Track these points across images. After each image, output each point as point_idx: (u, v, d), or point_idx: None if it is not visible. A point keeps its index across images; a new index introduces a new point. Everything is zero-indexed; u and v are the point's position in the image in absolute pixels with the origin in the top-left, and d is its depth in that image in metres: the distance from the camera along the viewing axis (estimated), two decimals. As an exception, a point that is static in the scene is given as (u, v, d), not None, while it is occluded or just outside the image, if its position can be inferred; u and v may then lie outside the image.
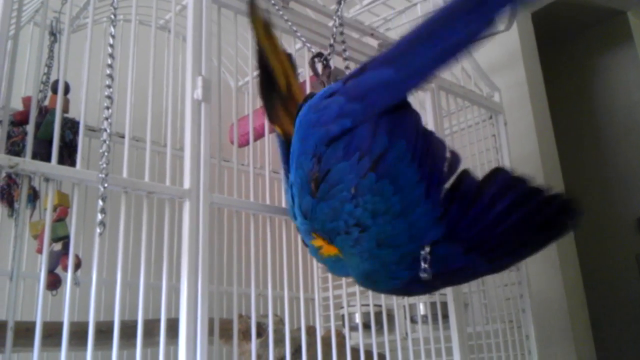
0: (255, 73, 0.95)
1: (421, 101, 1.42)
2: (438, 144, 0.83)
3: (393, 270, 0.80)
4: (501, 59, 2.12)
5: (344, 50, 1.09)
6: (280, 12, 1.07)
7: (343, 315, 1.40)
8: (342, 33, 1.10)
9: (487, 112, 1.59)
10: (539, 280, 1.84)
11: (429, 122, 1.37)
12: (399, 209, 0.77)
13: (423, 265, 0.77)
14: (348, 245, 0.80)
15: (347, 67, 1.05)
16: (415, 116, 0.83)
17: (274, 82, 0.93)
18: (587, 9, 2.86)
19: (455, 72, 1.56)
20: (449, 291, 1.26)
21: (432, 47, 0.78)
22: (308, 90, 1.08)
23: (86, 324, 0.74)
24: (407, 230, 0.77)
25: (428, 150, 0.80)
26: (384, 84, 0.81)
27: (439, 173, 0.80)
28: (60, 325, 0.72)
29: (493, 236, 0.79)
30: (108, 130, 0.78)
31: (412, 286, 0.82)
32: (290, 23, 1.06)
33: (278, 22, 1.08)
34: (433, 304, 1.32)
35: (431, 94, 1.38)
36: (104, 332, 0.83)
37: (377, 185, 0.77)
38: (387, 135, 0.78)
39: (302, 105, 0.87)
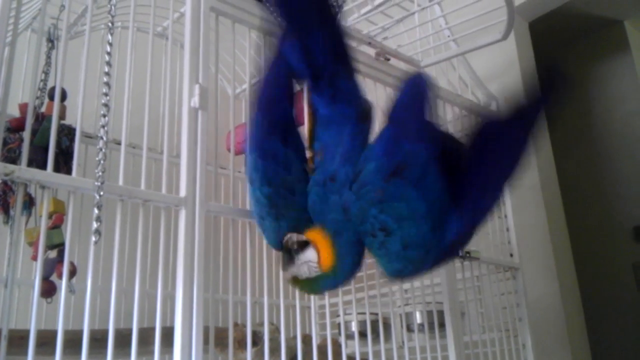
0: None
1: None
2: (452, 139, 0.88)
3: (421, 266, 0.84)
4: (498, 68, 2.13)
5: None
6: (279, 19, 1.06)
7: (339, 324, 1.40)
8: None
9: (484, 121, 1.60)
10: (535, 289, 1.84)
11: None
12: (424, 211, 0.80)
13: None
14: (375, 247, 0.83)
15: None
16: (435, 122, 0.87)
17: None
18: (583, 18, 2.87)
19: (452, 81, 1.56)
20: (445, 300, 1.26)
21: None
22: (306, 96, 1.08)
23: (81, 332, 0.74)
24: (431, 229, 0.80)
25: (446, 149, 0.83)
26: None
27: (453, 167, 0.83)
28: (54, 333, 0.72)
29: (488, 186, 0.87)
30: (104, 138, 0.77)
31: (434, 266, 0.89)
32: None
33: (276, 30, 1.08)
34: (430, 313, 1.31)
35: (428, 103, 1.38)
36: (98, 340, 0.83)
37: (401, 191, 0.79)
38: (409, 142, 0.81)
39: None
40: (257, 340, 1.03)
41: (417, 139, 0.81)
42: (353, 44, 1.28)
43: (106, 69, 0.81)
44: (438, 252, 0.83)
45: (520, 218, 1.63)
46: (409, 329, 1.46)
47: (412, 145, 0.81)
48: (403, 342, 1.44)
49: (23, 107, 1.08)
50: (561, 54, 3.14)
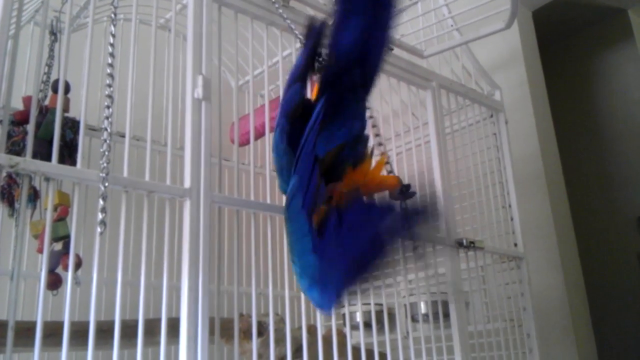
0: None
1: (422, 99, 1.42)
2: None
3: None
4: (502, 58, 2.12)
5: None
6: (280, 11, 1.06)
7: (344, 314, 1.40)
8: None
9: (488, 111, 1.59)
10: (540, 278, 1.84)
11: (429, 120, 1.37)
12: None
13: None
14: None
15: None
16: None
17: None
18: (587, 7, 2.86)
19: (456, 71, 1.56)
20: (449, 290, 1.26)
21: None
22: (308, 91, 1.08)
23: (87, 324, 0.74)
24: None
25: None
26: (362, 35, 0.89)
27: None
28: (61, 325, 0.72)
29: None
30: (108, 130, 0.77)
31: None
32: (289, 22, 1.06)
33: (278, 21, 1.08)
34: (434, 303, 1.31)
35: (432, 92, 1.37)
36: (104, 331, 0.83)
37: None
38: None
39: None
40: (262, 330, 1.03)
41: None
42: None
43: (109, 61, 0.81)
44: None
45: (525, 207, 1.63)
46: (414, 320, 1.46)
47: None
48: (408, 333, 1.45)
49: (27, 100, 1.08)
50: (565, 43, 3.13)
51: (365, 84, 0.92)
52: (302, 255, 0.84)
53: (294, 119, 0.90)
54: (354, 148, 0.90)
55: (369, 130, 1.02)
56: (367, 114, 0.99)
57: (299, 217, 0.83)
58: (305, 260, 0.83)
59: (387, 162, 1.10)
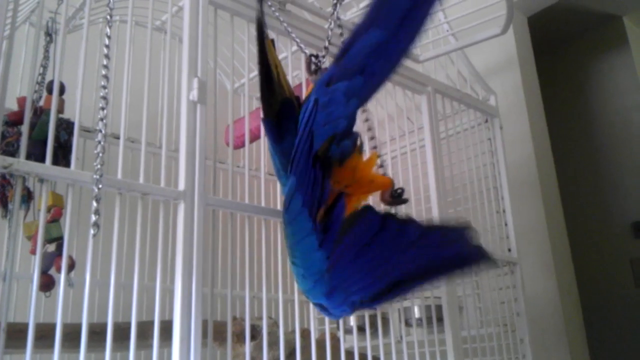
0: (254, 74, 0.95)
1: (417, 104, 1.43)
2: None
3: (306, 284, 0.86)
4: (497, 63, 2.13)
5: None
6: (277, 14, 1.06)
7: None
8: (342, 34, 1.10)
9: (483, 116, 1.60)
10: (533, 284, 1.85)
11: (424, 125, 1.37)
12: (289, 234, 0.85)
13: None
14: None
15: None
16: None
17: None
18: (583, 14, 2.87)
19: (452, 76, 1.56)
20: (443, 294, 1.26)
21: None
22: (304, 93, 1.08)
23: (79, 326, 0.74)
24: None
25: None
26: (377, 46, 0.82)
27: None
28: (53, 326, 0.72)
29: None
30: (103, 131, 0.77)
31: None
32: (286, 25, 1.06)
33: (274, 24, 1.08)
34: (428, 307, 1.31)
35: (427, 97, 1.38)
36: (97, 333, 0.83)
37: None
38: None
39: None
40: (255, 334, 1.03)
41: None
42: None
43: (104, 63, 0.81)
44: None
45: (519, 213, 1.63)
46: (407, 324, 1.46)
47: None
48: (401, 337, 1.45)
49: (21, 101, 1.08)
50: (560, 49, 3.14)
51: (361, 95, 0.86)
52: (306, 254, 0.82)
53: (272, 115, 0.88)
54: (339, 143, 0.85)
55: (364, 136, 1.01)
56: (361, 115, 0.96)
57: (300, 217, 0.82)
58: (310, 258, 0.82)
59: (380, 163, 1.08)
